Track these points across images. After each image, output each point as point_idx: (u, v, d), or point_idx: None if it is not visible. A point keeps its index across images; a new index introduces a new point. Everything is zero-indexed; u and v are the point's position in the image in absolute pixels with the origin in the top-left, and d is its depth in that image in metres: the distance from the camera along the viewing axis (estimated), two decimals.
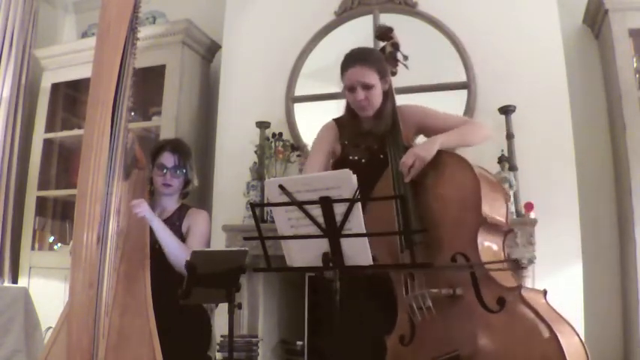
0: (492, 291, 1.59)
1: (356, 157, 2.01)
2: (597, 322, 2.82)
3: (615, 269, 3.08)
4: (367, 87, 1.93)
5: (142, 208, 2.01)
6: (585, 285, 2.79)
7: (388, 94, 1.99)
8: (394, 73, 2.09)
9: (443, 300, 1.65)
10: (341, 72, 1.99)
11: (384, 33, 2.12)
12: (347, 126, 2.05)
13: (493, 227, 1.74)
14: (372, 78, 1.92)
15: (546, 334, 1.47)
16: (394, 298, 1.80)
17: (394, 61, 2.09)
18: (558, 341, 1.44)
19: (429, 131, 2.00)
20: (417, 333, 1.71)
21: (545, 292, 1.64)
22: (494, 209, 1.73)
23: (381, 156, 1.97)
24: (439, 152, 1.79)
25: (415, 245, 1.68)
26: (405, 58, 2.10)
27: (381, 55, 2.05)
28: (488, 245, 1.73)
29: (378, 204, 1.76)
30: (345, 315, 1.79)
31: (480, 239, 1.68)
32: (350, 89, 1.95)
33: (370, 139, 2.01)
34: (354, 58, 1.96)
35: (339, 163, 2.05)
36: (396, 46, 2.09)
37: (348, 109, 2.04)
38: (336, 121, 2.12)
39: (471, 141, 1.94)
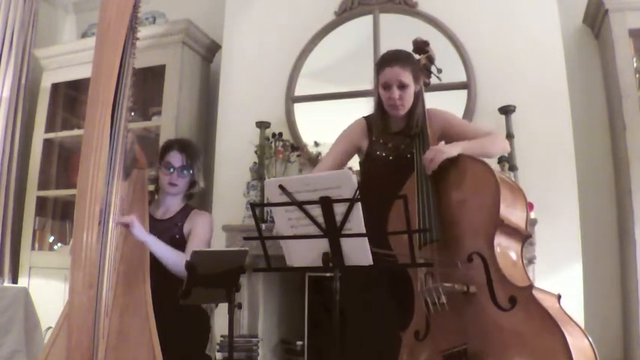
0: (505, 289, 1.62)
1: (383, 154, 2.05)
2: (597, 322, 2.81)
3: (615, 269, 3.09)
4: (402, 86, 1.97)
5: (134, 223, 1.95)
6: (585, 285, 2.79)
7: (419, 97, 2.04)
8: (427, 84, 2.15)
9: (456, 297, 1.68)
10: (377, 70, 2.03)
11: (420, 46, 2.16)
12: (377, 123, 2.08)
13: (511, 230, 1.76)
14: (408, 78, 1.97)
15: (554, 333, 1.47)
16: (412, 296, 1.82)
17: (428, 74, 2.15)
18: (566, 341, 1.44)
19: (453, 137, 2.03)
20: (431, 328, 1.74)
21: (559, 297, 1.65)
22: (512, 213, 1.76)
23: (408, 155, 2.00)
24: (462, 156, 1.84)
25: (432, 243, 1.76)
26: (439, 71, 2.16)
27: (416, 59, 2.09)
28: (506, 247, 1.75)
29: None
30: (363, 311, 1.83)
31: (496, 241, 1.70)
32: (386, 87, 1.99)
33: (398, 138, 2.05)
34: (393, 58, 2.00)
35: (366, 158, 2.10)
36: (431, 60, 2.16)
37: (379, 107, 2.07)
38: (367, 118, 2.15)
39: (491, 152, 1.99)
